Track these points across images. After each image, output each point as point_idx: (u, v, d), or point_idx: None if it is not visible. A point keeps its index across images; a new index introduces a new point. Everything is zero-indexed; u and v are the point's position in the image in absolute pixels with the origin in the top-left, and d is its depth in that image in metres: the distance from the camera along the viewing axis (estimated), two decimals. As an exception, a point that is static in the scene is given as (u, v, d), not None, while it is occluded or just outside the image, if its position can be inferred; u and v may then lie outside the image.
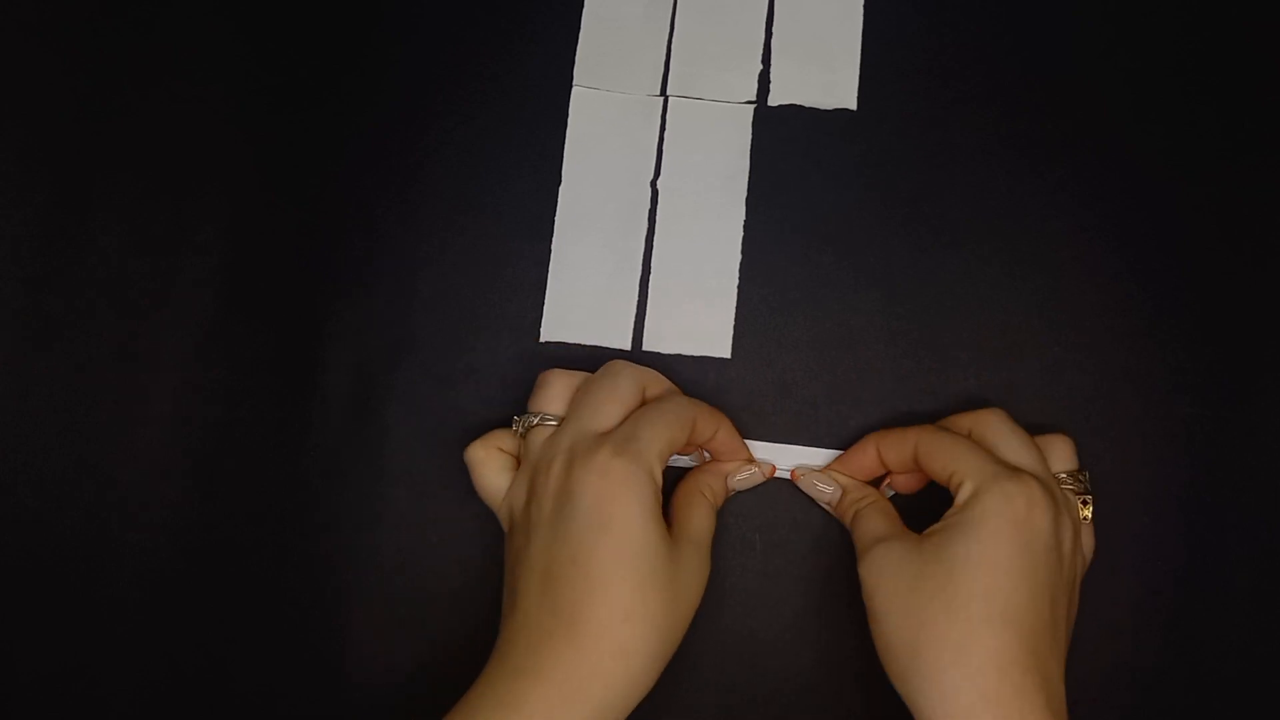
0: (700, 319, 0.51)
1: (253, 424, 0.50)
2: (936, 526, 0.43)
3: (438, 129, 0.52)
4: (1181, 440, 0.50)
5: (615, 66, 0.53)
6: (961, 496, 0.43)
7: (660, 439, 0.43)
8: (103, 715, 0.49)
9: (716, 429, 0.47)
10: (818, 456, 0.49)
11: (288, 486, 0.50)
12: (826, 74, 0.53)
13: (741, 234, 0.52)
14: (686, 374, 0.50)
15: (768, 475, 0.49)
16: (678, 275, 0.51)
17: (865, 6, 0.53)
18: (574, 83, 0.53)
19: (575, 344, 0.51)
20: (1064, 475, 0.46)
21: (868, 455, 0.48)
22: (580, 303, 0.51)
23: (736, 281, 0.51)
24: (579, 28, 0.53)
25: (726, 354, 0.51)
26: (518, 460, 0.47)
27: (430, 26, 0.53)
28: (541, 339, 0.51)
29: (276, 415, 0.50)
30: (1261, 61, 0.52)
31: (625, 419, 0.44)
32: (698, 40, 0.53)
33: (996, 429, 0.45)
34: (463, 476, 0.47)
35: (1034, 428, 0.49)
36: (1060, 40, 0.53)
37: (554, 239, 0.52)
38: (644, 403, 0.46)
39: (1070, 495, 0.45)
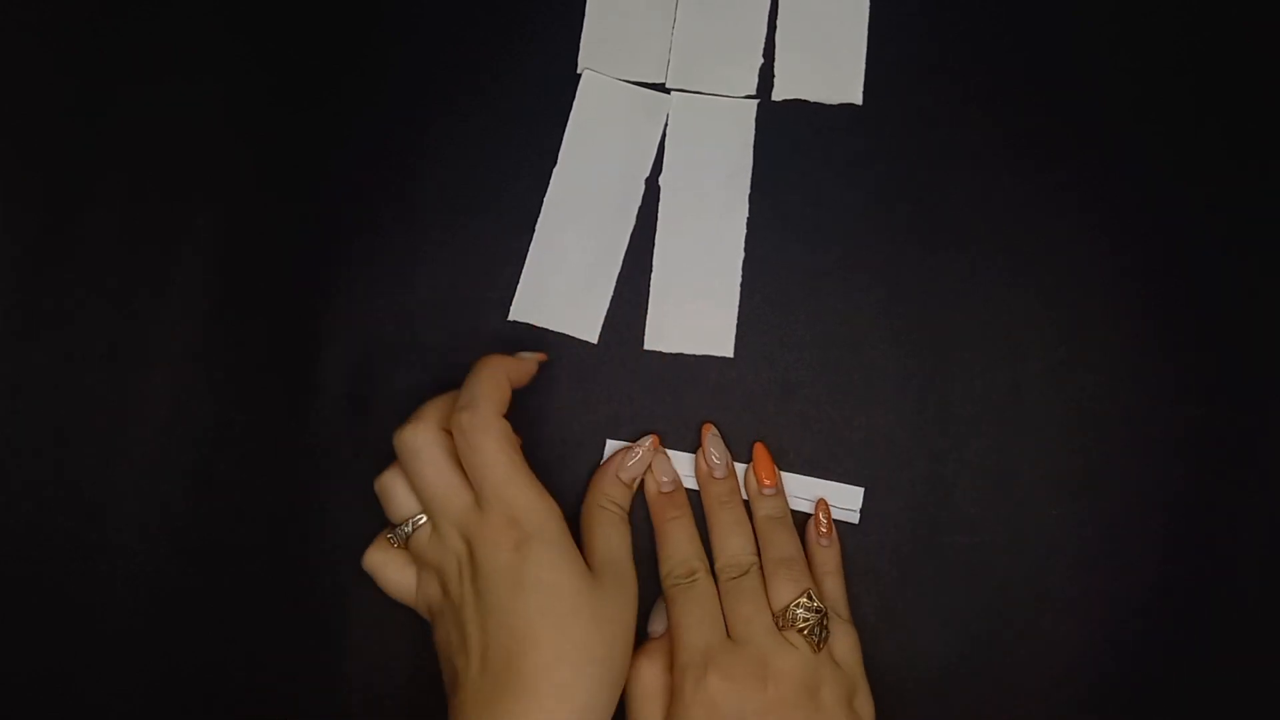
0: (702, 318, 0.51)
1: (249, 424, 0.50)
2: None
3: (437, 127, 0.52)
4: (1188, 442, 0.49)
5: (619, 59, 0.52)
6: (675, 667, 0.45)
7: (522, 478, 0.44)
8: (99, 717, 0.49)
9: (521, 378, 0.47)
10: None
11: (285, 487, 0.50)
12: (832, 69, 0.52)
13: (744, 231, 0.51)
14: (688, 373, 0.50)
15: (654, 445, 0.49)
16: (679, 273, 0.51)
17: (871, 1, 0.52)
18: (584, 67, 0.52)
19: (542, 329, 0.51)
20: (792, 612, 0.45)
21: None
22: (554, 288, 0.51)
23: (739, 280, 0.51)
24: (580, 26, 0.52)
25: (729, 353, 0.50)
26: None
27: (430, 25, 0.53)
28: (510, 317, 0.51)
29: (273, 415, 0.50)
30: (1266, 60, 0.51)
31: (471, 476, 0.44)
32: (701, 34, 0.53)
33: (731, 584, 0.46)
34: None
35: (1036, 429, 0.49)
36: (1067, 38, 0.52)
37: (539, 219, 0.51)
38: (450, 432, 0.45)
39: (800, 642, 0.45)
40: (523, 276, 0.51)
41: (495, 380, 0.45)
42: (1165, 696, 0.48)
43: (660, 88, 0.52)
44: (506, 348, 0.50)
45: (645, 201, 0.52)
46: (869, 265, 0.51)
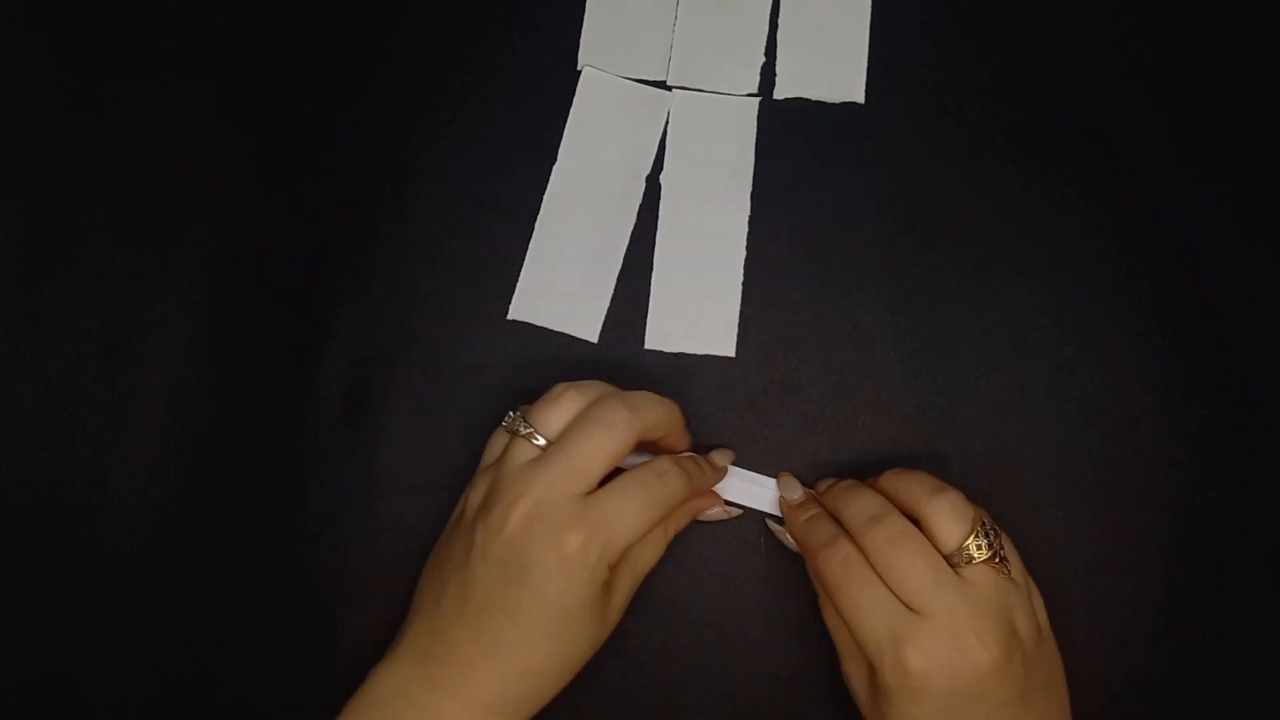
0: (704, 317, 0.50)
1: (245, 423, 0.49)
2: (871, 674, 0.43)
3: (435, 124, 0.51)
4: (1194, 442, 0.49)
5: (620, 56, 0.52)
6: (868, 659, 0.42)
7: (634, 529, 0.42)
8: (96, 717, 0.48)
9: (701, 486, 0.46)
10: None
11: (281, 487, 0.49)
12: (834, 67, 0.52)
13: (746, 230, 0.51)
14: (690, 374, 0.50)
15: (731, 516, 0.48)
16: (681, 272, 0.50)
17: (874, -2, 0.52)
18: (584, 64, 0.52)
19: (542, 328, 0.50)
20: (968, 549, 0.42)
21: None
22: (553, 287, 0.50)
23: (741, 278, 0.50)
24: (580, 22, 0.52)
25: (730, 353, 0.50)
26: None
27: (428, 20, 0.52)
28: (509, 316, 0.50)
29: (270, 414, 0.50)
30: (1270, 58, 0.51)
31: (604, 483, 0.43)
32: (702, 31, 0.52)
33: (889, 556, 0.42)
34: (461, 478, 0.47)
35: (1042, 430, 0.49)
36: (1070, 35, 0.52)
37: (539, 217, 0.51)
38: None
39: (987, 576, 0.42)
40: (522, 275, 0.50)
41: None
42: (1171, 697, 0.48)
43: (661, 85, 0.52)
44: (505, 346, 0.50)
45: (646, 199, 0.51)
46: (872, 264, 0.50)
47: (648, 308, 0.50)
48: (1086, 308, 0.50)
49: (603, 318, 0.50)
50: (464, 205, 0.51)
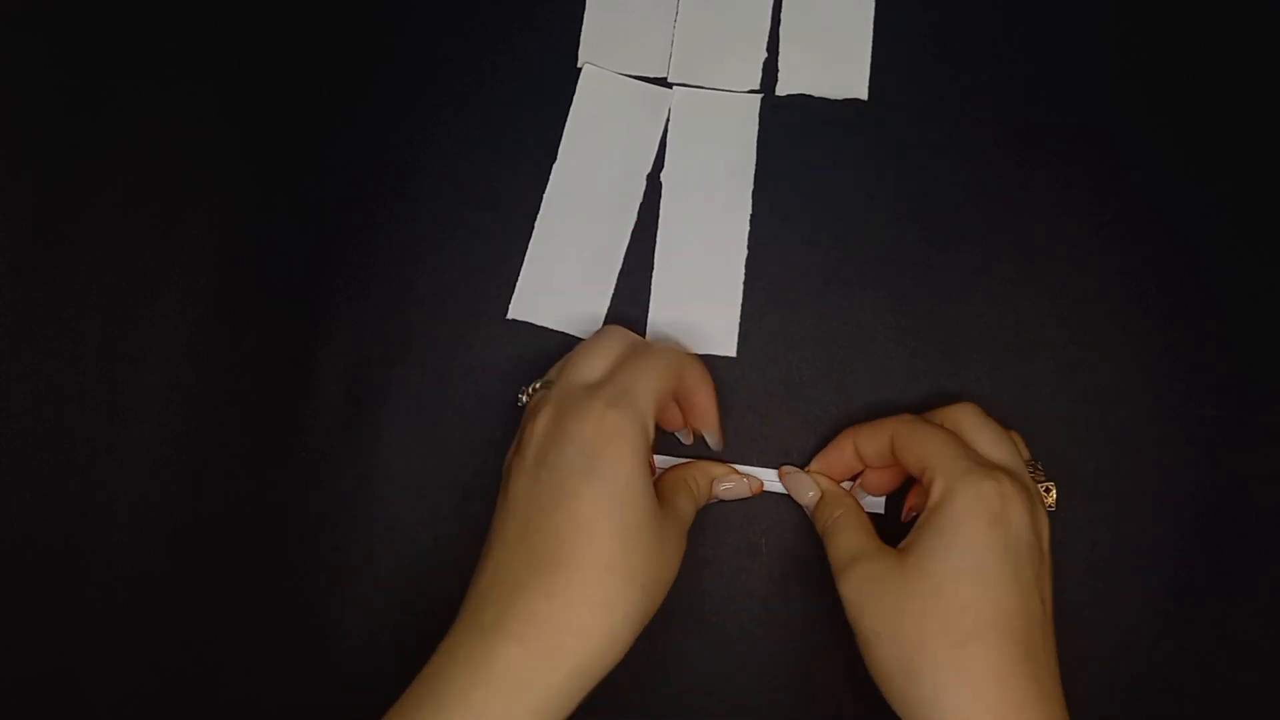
0: (705, 316, 0.50)
1: (244, 423, 0.49)
2: (911, 538, 0.42)
3: (435, 122, 0.51)
4: (1199, 442, 0.49)
5: (621, 53, 0.52)
6: (935, 495, 0.41)
7: (651, 388, 0.42)
8: (92, 717, 0.48)
9: (700, 383, 0.45)
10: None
11: (279, 487, 0.49)
12: (837, 63, 0.52)
13: (748, 229, 0.51)
14: (691, 373, 0.50)
15: (753, 491, 0.48)
16: (681, 271, 0.50)
17: (876, -6, 0.52)
18: (584, 61, 0.52)
19: (542, 328, 0.50)
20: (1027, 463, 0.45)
21: (845, 450, 0.47)
22: (553, 286, 0.50)
23: (742, 278, 0.50)
24: (581, 19, 0.52)
25: (732, 353, 0.50)
26: None
27: (428, 18, 0.52)
28: (509, 316, 0.50)
29: (268, 415, 0.49)
30: (1273, 56, 0.51)
31: (613, 370, 0.43)
32: (703, 28, 0.52)
33: (970, 422, 0.44)
34: (459, 476, 0.47)
35: (1044, 430, 0.49)
36: (1074, 32, 0.52)
37: (539, 216, 0.51)
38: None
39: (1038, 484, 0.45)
40: (522, 274, 0.50)
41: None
42: (1173, 698, 0.48)
43: (662, 82, 0.52)
44: (505, 347, 0.50)
45: (646, 198, 0.51)
46: (874, 263, 0.50)
47: (648, 308, 0.50)
48: (1088, 307, 0.50)
49: (603, 317, 0.50)
50: (464, 205, 0.51)
